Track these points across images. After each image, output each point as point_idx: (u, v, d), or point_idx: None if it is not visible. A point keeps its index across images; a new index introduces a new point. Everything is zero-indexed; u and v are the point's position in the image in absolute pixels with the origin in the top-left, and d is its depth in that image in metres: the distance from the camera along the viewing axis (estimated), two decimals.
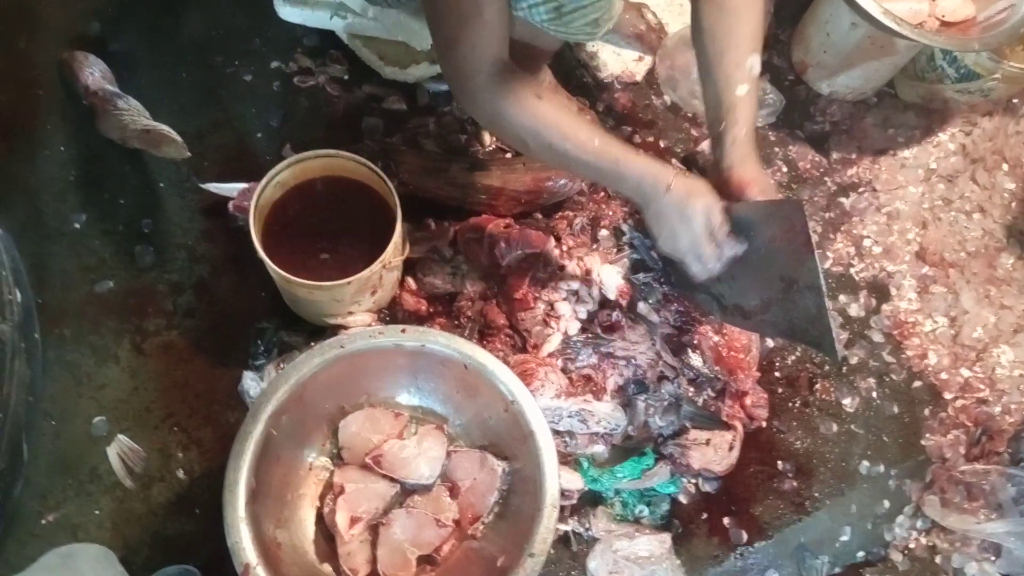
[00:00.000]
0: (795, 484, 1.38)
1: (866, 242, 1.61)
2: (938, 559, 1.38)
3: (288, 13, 1.54)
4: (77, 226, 1.40)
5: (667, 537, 1.28)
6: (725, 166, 1.10)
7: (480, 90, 1.02)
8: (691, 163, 1.55)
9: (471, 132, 1.54)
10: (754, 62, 1.10)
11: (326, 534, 1.16)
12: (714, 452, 1.32)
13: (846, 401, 1.46)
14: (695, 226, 1.05)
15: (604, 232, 1.42)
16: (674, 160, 1.57)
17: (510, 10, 1.01)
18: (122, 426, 1.28)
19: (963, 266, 1.60)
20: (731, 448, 1.33)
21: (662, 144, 1.62)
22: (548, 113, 1.03)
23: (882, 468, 1.42)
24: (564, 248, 1.38)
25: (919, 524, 1.39)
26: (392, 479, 1.17)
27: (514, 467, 1.16)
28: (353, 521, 1.13)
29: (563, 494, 1.23)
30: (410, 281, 1.38)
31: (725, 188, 1.09)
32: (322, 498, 1.18)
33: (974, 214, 1.66)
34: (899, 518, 1.39)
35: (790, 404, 1.44)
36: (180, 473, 1.26)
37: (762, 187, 1.08)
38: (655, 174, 1.05)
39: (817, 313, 1.05)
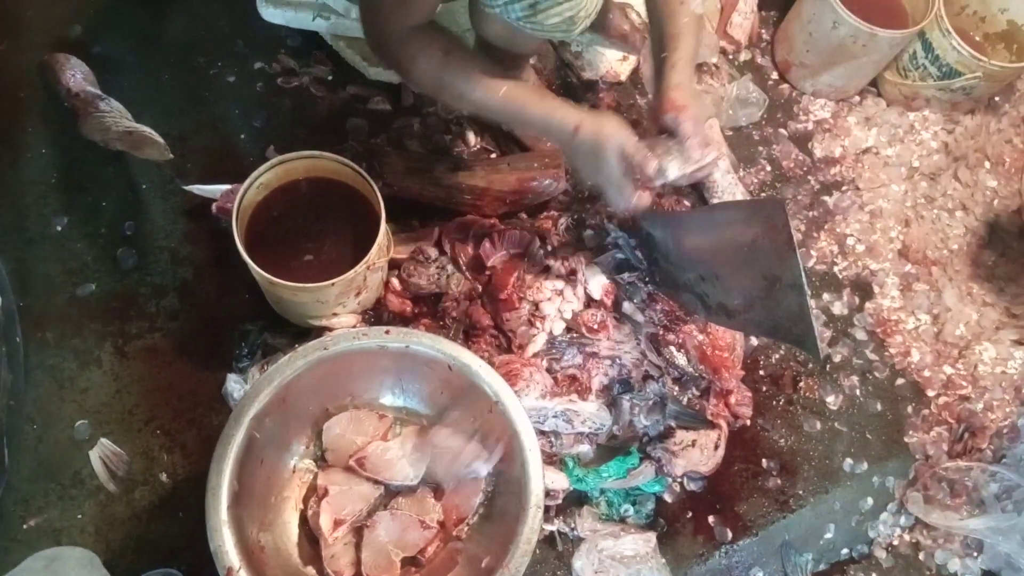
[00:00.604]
0: (779, 482, 1.39)
1: (849, 240, 1.62)
2: (921, 555, 1.39)
3: (271, 14, 1.53)
4: (59, 229, 1.39)
5: (652, 536, 1.28)
6: (663, 89, 1.17)
7: (394, 48, 1.09)
8: None
9: (456, 132, 1.54)
10: None
11: (310, 537, 1.15)
12: (700, 453, 1.32)
13: (830, 399, 1.46)
14: (609, 165, 1.11)
15: (589, 232, 1.42)
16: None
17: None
18: (105, 430, 1.27)
19: (946, 264, 1.61)
20: (716, 447, 1.33)
21: None
22: (455, 64, 1.09)
23: (866, 465, 1.42)
24: (549, 248, 1.38)
25: (902, 521, 1.40)
26: (376, 481, 1.17)
27: (499, 468, 1.16)
28: (337, 523, 1.12)
29: (548, 494, 1.24)
30: (395, 282, 1.37)
31: (661, 111, 1.15)
32: (306, 501, 1.17)
33: (956, 212, 1.67)
34: (883, 515, 1.40)
35: (774, 402, 1.45)
36: (163, 477, 1.26)
37: (694, 112, 1.14)
38: (561, 117, 1.12)
39: (799, 311, 1.06)
